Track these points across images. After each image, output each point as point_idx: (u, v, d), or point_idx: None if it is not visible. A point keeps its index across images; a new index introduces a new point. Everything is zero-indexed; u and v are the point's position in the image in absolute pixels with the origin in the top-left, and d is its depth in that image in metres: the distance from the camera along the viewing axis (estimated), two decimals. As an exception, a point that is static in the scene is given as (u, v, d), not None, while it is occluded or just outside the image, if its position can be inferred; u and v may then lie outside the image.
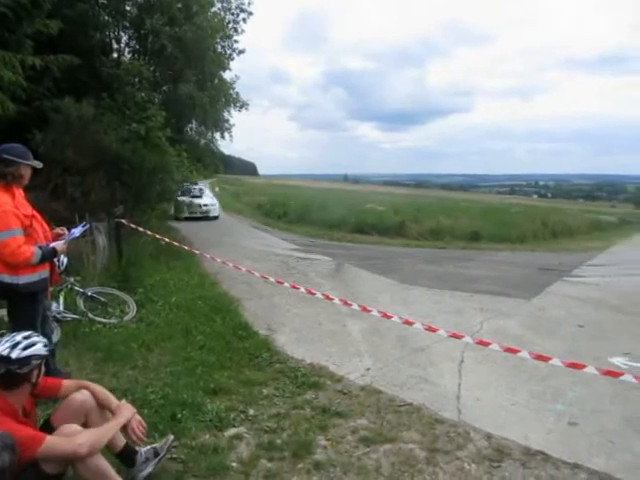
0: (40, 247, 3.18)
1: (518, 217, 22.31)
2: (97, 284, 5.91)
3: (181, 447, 2.89)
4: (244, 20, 14.88)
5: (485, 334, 5.28)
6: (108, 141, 9.26)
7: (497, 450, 3.04)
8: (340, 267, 9.56)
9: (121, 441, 2.45)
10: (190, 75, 12.56)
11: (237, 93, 15.80)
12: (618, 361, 4.71)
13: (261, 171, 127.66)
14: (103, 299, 5.50)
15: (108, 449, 2.35)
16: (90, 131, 9.09)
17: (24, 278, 3.16)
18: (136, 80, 11.22)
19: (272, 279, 5.19)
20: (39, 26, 7.78)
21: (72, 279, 5.28)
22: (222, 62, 14.62)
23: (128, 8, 12.14)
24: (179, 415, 3.21)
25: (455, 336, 3.37)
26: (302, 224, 17.74)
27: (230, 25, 14.77)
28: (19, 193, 3.26)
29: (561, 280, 9.50)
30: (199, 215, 18.79)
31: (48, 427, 2.26)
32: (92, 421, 2.36)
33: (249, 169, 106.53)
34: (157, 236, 6.94)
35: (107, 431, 2.24)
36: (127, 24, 12.43)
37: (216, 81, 14.67)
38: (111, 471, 2.18)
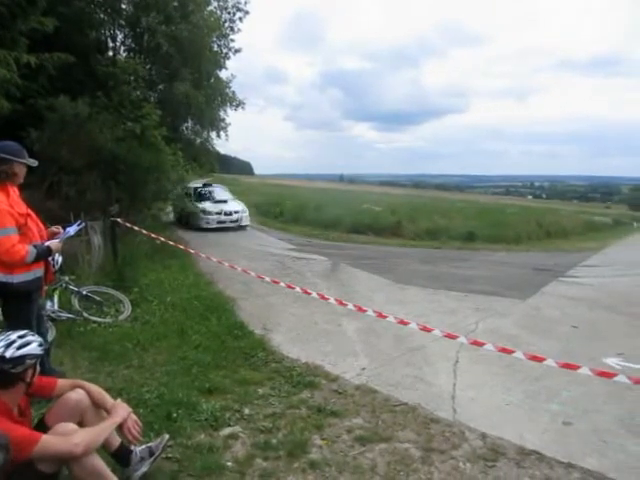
0: (35, 246, 3.17)
1: (513, 218, 22.40)
2: (92, 283, 5.89)
3: (176, 446, 2.89)
4: (240, 19, 14.87)
5: (480, 334, 5.30)
6: (103, 140, 9.23)
7: (492, 449, 3.06)
8: (336, 267, 9.57)
9: (116, 440, 2.45)
10: (186, 74, 12.53)
11: (233, 92, 15.80)
12: (612, 361, 4.74)
13: (257, 171, 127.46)
14: (98, 298, 5.49)
15: (103, 448, 2.35)
16: (85, 130, 9.05)
17: (19, 277, 3.14)
18: (132, 79, 11.18)
19: (268, 279, 5.19)
20: (34, 24, 7.74)
21: (67, 278, 5.26)
22: (218, 61, 14.60)
23: (124, 6, 12.11)
24: (174, 414, 3.20)
25: (450, 336, 3.38)
26: (298, 224, 17.73)
27: (226, 24, 14.75)
28: (14, 191, 3.24)
29: (556, 280, 9.55)
30: (229, 225, 15.55)
31: (43, 426, 2.25)
32: (87, 420, 2.35)
33: (245, 168, 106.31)
34: (152, 235, 6.93)
35: (103, 430, 2.23)
36: (123, 22, 12.40)
37: (212, 80, 14.65)
38: (107, 470, 2.18)
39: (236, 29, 14.93)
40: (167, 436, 2.72)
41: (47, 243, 3.30)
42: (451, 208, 25.21)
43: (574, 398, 3.84)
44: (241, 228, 15.82)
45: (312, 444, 3.02)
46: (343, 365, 4.36)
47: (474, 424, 3.36)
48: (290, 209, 20.28)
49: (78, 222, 3.94)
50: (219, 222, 15.41)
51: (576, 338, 5.59)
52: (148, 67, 12.64)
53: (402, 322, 3.73)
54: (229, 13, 14.79)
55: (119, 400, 2.50)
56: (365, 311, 3.89)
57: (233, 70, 15.46)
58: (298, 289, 4.62)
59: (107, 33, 12.71)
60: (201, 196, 16.19)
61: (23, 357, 2.13)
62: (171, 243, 6.99)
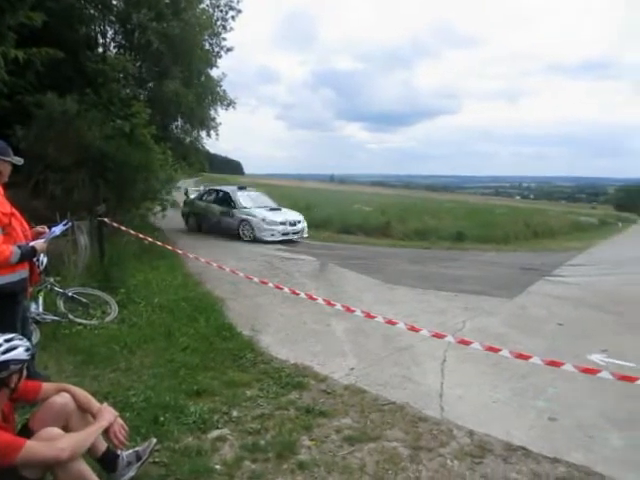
0: (19, 246, 3.12)
1: (502, 218, 22.63)
2: (78, 284, 5.82)
3: (164, 450, 2.86)
4: (233, 18, 14.76)
5: (468, 333, 5.34)
6: (92, 137, 9.11)
7: (479, 446, 3.09)
8: (325, 267, 9.57)
9: (102, 445, 2.42)
10: (176, 72, 12.43)
11: (224, 91, 15.69)
12: (596, 358, 4.82)
13: (247, 170, 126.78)
14: (84, 300, 5.42)
15: (89, 454, 2.32)
16: (74, 127, 8.92)
17: (3, 278, 3.08)
18: (121, 76, 11.06)
19: (256, 279, 5.17)
20: (22, 18, 7.58)
21: (52, 279, 5.18)
22: (209, 59, 14.49)
23: (115, 2, 11.96)
24: (162, 418, 3.17)
25: (437, 335, 3.40)
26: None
27: (218, 22, 14.64)
28: (-2, 190, 3.19)
29: (542, 280, 9.66)
30: (292, 237, 13.40)
31: (27, 431, 2.20)
32: (73, 425, 2.31)
33: (235, 168, 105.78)
34: (140, 236, 6.87)
35: (89, 435, 2.20)
36: (113, 18, 12.23)
37: (203, 79, 14.54)
38: (93, 476, 2.15)
39: (228, 27, 14.84)
40: (154, 440, 2.69)
41: (32, 243, 3.26)
42: (441, 208, 25.39)
43: (560, 394, 3.90)
44: (291, 241, 13.46)
45: (301, 445, 3.02)
46: (332, 365, 4.36)
47: (462, 422, 3.39)
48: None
49: (64, 222, 3.89)
50: (284, 234, 13.24)
51: (562, 336, 5.66)
52: (138, 64, 12.50)
53: (390, 322, 3.74)
54: (221, 11, 14.69)
55: (105, 404, 2.47)
56: (353, 311, 3.89)
57: (225, 69, 15.37)
58: (286, 289, 4.61)
59: (97, 29, 12.53)
60: (233, 201, 13.87)
61: (7, 362, 2.07)
62: (159, 243, 6.93)
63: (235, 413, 3.38)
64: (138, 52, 12.54)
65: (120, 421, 2.40)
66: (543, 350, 4.87)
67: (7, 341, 2.12)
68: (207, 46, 14.38)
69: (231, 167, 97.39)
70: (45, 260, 4.09)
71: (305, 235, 14.01)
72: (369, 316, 3.82)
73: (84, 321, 5.08)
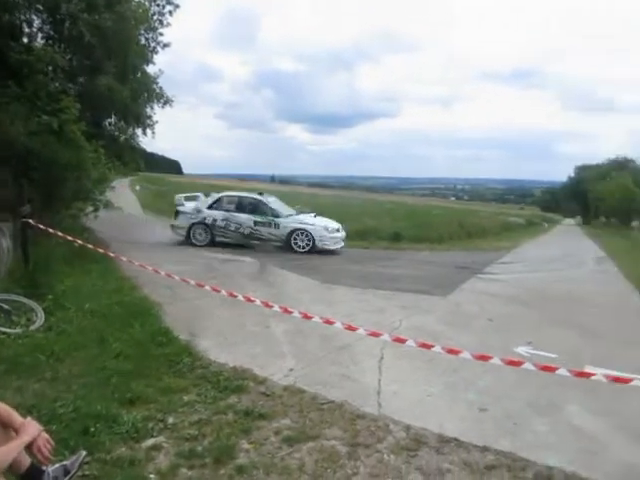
0: None
1: (437, 219, 23.53)
2: (0, 291, 5.42)
3: (94, 462, 2.72)
4: (170, 13, 14.27)
5: (404, 331, 5.52)
6: (15, 133, 8.50)
7: (414, 440, 3.19)
8: (264, 268, 9.53)
9: (26, 460, 2.27)
10: (110, 67, 11.87)
11: (161, 88, 15.15)
12: (522, 350, 5.14)
13: (186, 170, 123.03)
14: (6, 307, 5.04)
15: (11, 470, 2.17)
16: (-7, 121, 8.31)
17: None
18: (49, 69, 10.41)
19: (192, 282, 5.04)
20: None
21: (-30, 286, 4.81)
22: (145, 55, 13.96)
23: (42, -11, 11.23)
24: (92, 429, 3.02)
25: (374, 334, 3.49)
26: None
27: (155, 17, 14.13)
28: None
29: (475, 277, 10.17)
30: (331, 247, 12.59)
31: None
32: (-8, 441, 2.17)
33: (173, 167, 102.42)
34: (69, 238, 6.49)
35: (10, 451, 2.06)
36: (40, 7, 11.48)
37: (139, 74, 13.99)
38: (13, 493, 2.02)
39: (165, 23, 14.32)
40: (84, 452, 2.57)
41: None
42: (380, 209, 26.00)
43: (489, 386, 4.12)
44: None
45: (239, 449, 2.98)
46: (271, 367, 4.34)
47: (398, 417, 3.49)
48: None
49: (-18, 224, 3.62)
50: (336, 242, 12.74)
51: (491, 331, 5.99)
52: (68, 57, 11.81)
53: (328, 322, 3.79)
54: (158, 5, 14.17)
55: (29, 418, 2.32)
56: (291, 312, 3.90)
57: (162, 65, 14.75)
58: (224, 292, 4.53)
59: (22, 17, 11.71)
60: (271, 209, 12.95)
61: None
62: (90, 246, 6.59)
63: (171, 420, 3.28)
64: (68, 44, 11.84)
65: (45, 435, 2.26)
66: (474, 345, 5.12)
67: None
68: (143, 41, 13.86)
69: (169, 166, 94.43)
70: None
71: (342, 244, 13.25)
72: (307, 317, 3.84)
73: (7, 330, 4.72)
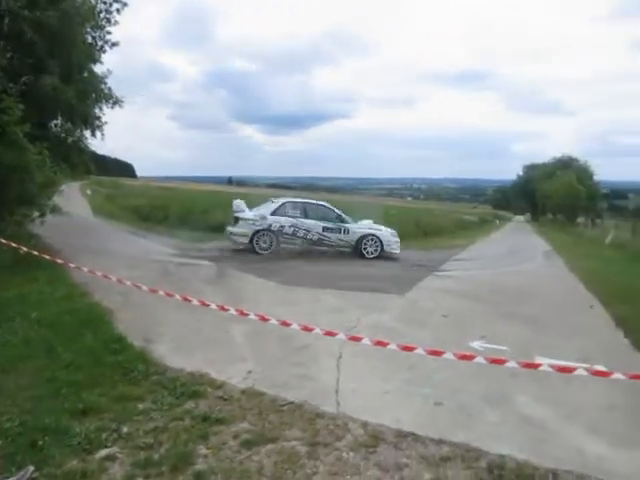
0: None
1: (394, 218, 23.94)
2: None
3: (43, 477, 2.62)
4: (118, 10, 13.80)
5: (363, 329, 5.59)
6: (-49, 135, 8.03)
7: (373, 436, 3.24)
8: (223, 271, 9.41)
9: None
10: (54, 66, 11.37)
11: (110, 88, 14.64)
12: (476, 344, 5.31)
13: (139, 172, 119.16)
14: (-56, 319, 4.77)
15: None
16: None
17: None
18: (-12, 67, 9.88)
19: (145, 287, 4.90)
20: None
21: None
22: (92, 54, 13.46)
23: (-23, -17, 10.63)
24: (40, 442, 2.89)
25: (329, 334, 3.52)
26: (184, 228, 17.05)
27: (102, 14, 13.65)
28: None
29: (431, 275, 10.43)
30: (396, 251, 12.94)
31: None
32: None
33: (126, 170, 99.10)
34: (13, 245, 6.19)
35: None
36: (-24, 3, 10.87)
37: (85, 74, 13.48)
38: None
39: (113, 21, 13.84)
40: (32, 468, 2.48)
41: None
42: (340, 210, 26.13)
43: (444, 381, 4.23)
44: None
45: (197, 454, 2.94)
46: (229, 370, 4.29)
47: (356, 414, 3.53)
48: (175, 213, 19.39)
49: None
50: (398, 246, 13.04)
51: (447, 326, 6.16)
52: (9, 55, 11.24)
53: (284, 323, 3.80)
54: (105, 3, 13.70)
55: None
56: (247, 315, 3.88)
57: (111, 65, 14.12)
58: (177, 296, 4.44)
59: (-47, 11, 11.05)
60: (338, 215, 12.91)
61: None
62: (35, 253, 6.30)
63: (126, 429, 3.19)
64: (8, 42, 11.28)
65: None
66: (431, 341, 5.25)
67: None
68: (90, 39, 13.38)
69: (122, 169, 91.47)
70: None
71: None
72: (264, 319, 3.83)
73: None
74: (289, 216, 12.48)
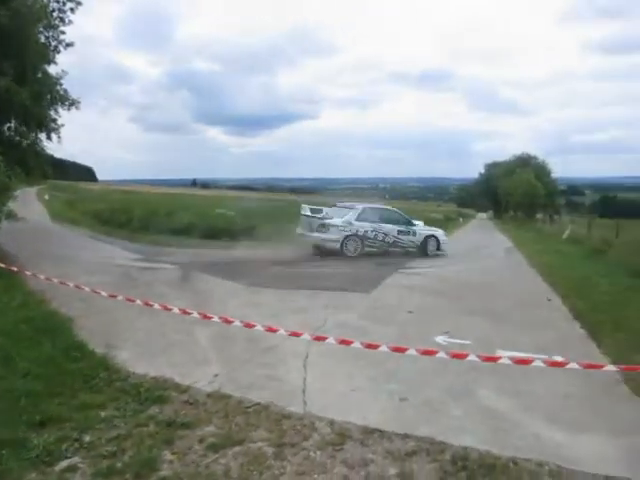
0: None
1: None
2: None
3: (-1, 493, 2.54)
4: (72, 10, 13.37)
5: (329, 328, 5.62)
6: None
7: (339, 434, 3.27)
8: (187, 275, 9.27)
9: None
10: (7, 67, 10.95)
11: (65, 90, 14.18)
12: (441, 339, 5.43)
13: (100, 176, 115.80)
14: None
15: None
16: None
17: None
18: None
19: (104, 293, 4.78)
20: None
21: None
22: (46, 55, 12.99)
23: None
24: (-3, 456, 2.80)
25: (294, 334, 3.53)
26: (147, 232, 16.71)
27: (55, 14, 13.20)
28: None
29: (396, 272, 10.59)
30: (447, 249, 15.13)
31: None
32: None
33: (86, 174, 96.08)
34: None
35: None
36: None
37: (40, 75, 13.02)
38: None
39: (67, 20, 13.41)
40: (-14, 483, 2.38)
41: None
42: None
43: (409, 377, 4.30)
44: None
45: (162, 460, 2.90)
46: (195, 374, 4.23)
47: (323, 413, 3.55)
48: (138, 216, 18.95)
49: None
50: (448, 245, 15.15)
51: (412, 322, 6.27)
52: (-42, 56, 10.75)
53: (248, 325, 3.78)
54: (58, 2, 13.25)
55: None
56: (211, 318, 3.84)
57: (67, 66, 13.59)
58: (138, 302, 4.34)
59: None
60: (406, 218, 14.64)
61: None
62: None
63: (87, 438, 3.10)
64: (-44, 42, 10.78)
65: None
66: (396, 337, 5.34)
67: None
68: (43, 40, 12.92)
69: (82, 173, 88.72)
70: None
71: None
72: (227, 321, 3.81)
73: None
74: (370, 221, 13.76)
